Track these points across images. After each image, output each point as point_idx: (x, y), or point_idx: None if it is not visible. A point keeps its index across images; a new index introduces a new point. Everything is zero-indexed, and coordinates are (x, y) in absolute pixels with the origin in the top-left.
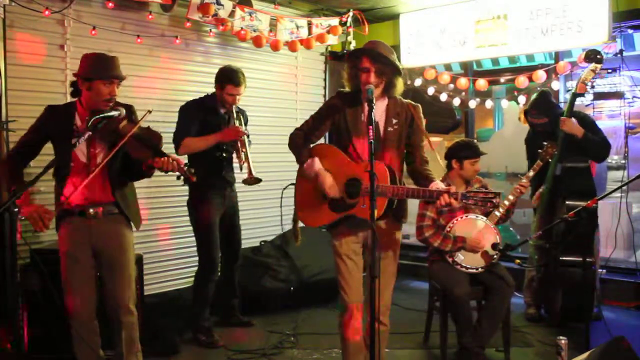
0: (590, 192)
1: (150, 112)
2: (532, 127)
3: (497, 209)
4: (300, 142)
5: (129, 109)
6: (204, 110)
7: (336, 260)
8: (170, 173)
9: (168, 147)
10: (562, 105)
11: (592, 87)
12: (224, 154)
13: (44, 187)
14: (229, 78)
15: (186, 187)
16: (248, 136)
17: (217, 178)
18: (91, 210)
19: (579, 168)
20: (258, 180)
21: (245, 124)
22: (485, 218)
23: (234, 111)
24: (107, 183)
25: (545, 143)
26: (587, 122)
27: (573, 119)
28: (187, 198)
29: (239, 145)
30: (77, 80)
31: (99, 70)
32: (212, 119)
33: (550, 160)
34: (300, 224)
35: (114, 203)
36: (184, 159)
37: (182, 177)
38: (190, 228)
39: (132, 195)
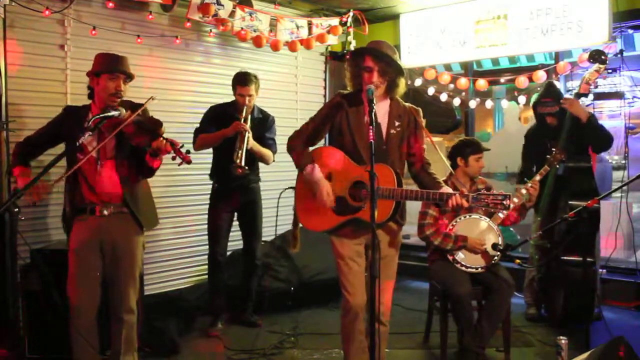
0: (592, 192)
1: (153, 98)
2: (540, 119)
3: (503, 211)
4: (300, 146)
5: (138, 105)
6: (223, 115)
7: (338, 262)
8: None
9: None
10: None
11: (596, 87)
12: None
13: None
14: (236, 79)
15: (189, 188)
16: (248, 132)
17: (231, 179)
18: (101, 209)
19: (581, 168)
20: (244, 170)
21: (267, 130)
22: (488, 218)
23: (245, 112)
24: (117, 180)
25: (553, 149)
26: None
27: (579, 101)
28: (188, 199)
29: (239, 139)
30: (90, 79)
31: (105, 64)
32: (230, 123)
33: (557, 166)
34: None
35: (124, 202)
36: (180, 142)
37: (177, 158)
38: (190, 228)
39: (145, 195)
